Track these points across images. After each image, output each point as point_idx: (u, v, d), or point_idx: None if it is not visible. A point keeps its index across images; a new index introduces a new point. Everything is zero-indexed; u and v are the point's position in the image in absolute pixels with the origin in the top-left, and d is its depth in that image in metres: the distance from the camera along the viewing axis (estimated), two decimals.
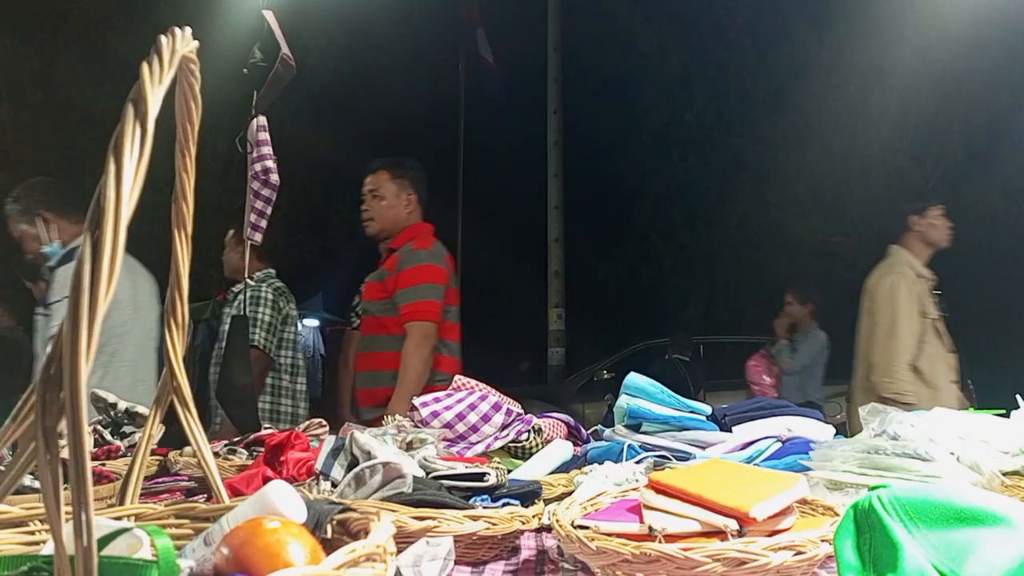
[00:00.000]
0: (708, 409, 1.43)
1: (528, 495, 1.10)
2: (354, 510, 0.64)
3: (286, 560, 0.52)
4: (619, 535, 0.79)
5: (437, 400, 1.52)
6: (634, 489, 0.95)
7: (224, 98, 3.42)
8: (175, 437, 1.23)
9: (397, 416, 1.52)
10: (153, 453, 1.57)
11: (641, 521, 0.81)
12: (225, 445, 1.69)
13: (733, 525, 0.77)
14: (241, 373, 2.39)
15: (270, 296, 3.14)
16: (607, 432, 1.47)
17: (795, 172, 9.60)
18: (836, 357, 5.20)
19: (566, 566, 0.96)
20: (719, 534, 0.78)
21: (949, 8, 7.27)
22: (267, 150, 2.43)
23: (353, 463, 1.12)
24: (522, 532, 1.04)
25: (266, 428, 2.01)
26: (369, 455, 1.09)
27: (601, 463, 1.27)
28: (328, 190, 10.26)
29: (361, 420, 2.53)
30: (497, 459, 1.37)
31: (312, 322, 9.98)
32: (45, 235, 2.71)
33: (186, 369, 0.69)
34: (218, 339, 3.27)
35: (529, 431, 1.49)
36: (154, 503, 0.74)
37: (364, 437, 1.14)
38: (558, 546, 1.01)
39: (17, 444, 0.46)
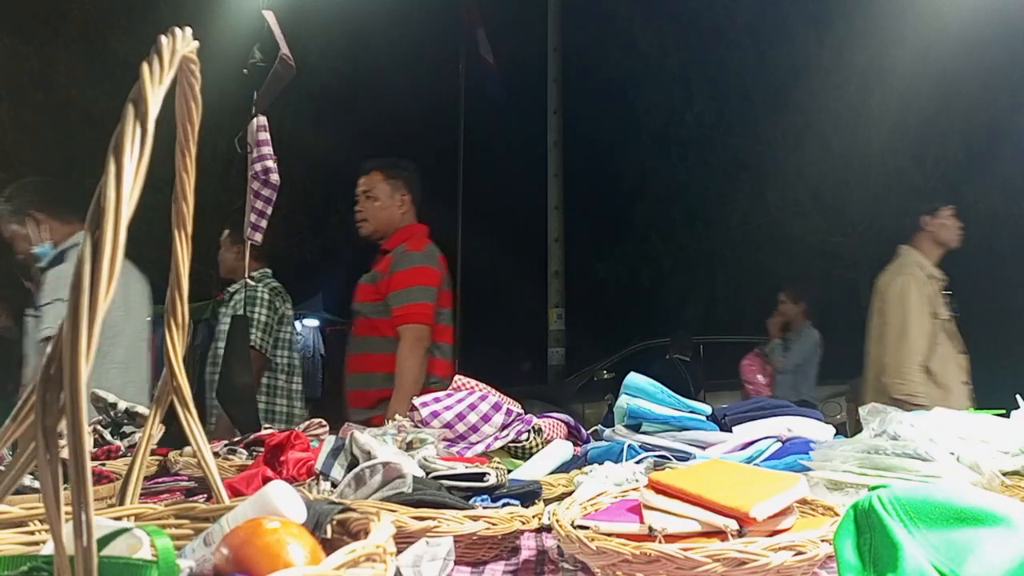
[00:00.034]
0: (708, 409, 1.43)
1: (528, 495, 1.10)
2: (354, 510, 0.64)
3: (286, 560, 0.52)
4: (619, 535, 0.79)
5: (437, 400, 1.52)
6: (634, 489, 0.95)
7: (224, 98, 3.42)
8: (175, 437, 1.23)
9: (397, 416, 1.52)
10: (153, 453, 1.57)
11: (641, 521, 0.81)
12: (225, 445, 1.69)
13: (733, 525, 0.77)
14: (241, 373, 2.39)
15: (266, 296, 3.14)
16: (607, 432, 1.47)
17: (795, 172, 9.61)
18: (836, 357, 5.21)
19: (566, 566, 0.96)
20: (719, 534, 0.78)
21: (949, 8, 7.28)
22: (267, 150, 2.43)
23: (353, 463, 1.12)
24: (522, 532, 1.04)
25: (265, 428, 2.01)
26: (369, 455, 1.09)
27: (601, 463, 1.27)
28: (328, 190, 10.27)
29: (351, 421, 2.52)
30: (497, 459, 1.36)
31: (312, 322, 9.99)
32: (36, 235, 2.66)
33: (186, 369, 0.69)
34: (214, 339, 3.27)
35: (529, 431, 1.49)
36: (154, 503, 0.74)
37: (364, 437, 1.14)
38: (558, 546, 1.01)
39: (17, 444, 0.46)
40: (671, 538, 0.78)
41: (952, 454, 1.05)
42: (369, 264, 2.81)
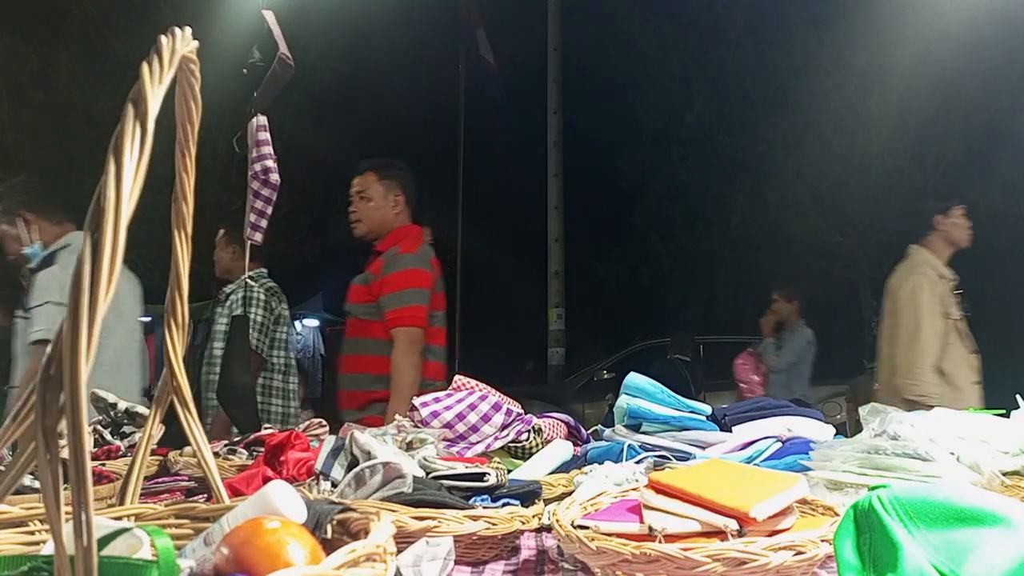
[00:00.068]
0: (708, 409, 1.43)
1: (528, 495, 1.10)
2: (354, 510, 0.64)
3: (286, 560, 0.52)
4: (619, 535, 0.79)
5: (437, 400, 1.52)
6: (634, 489, 0.95)
7: (224, 98, 3.42)
8: (175, 437, 1.23)
9: (397, 416, 1.52)
10: (153, 453, 1.57)
11: (641, 521, 0.81)
12: (225, 445, 1.69)
13: (733, 525, 0.77)
14: (241, 373, 2.39)
15: (262, 296, 3.14)
16: (607, 432, 1.47)
17: (795, 172, 9.61)
18: (836, 357, 5.21)
19: (566, 566, 0.96)
20: (719, 534, 0.78)
21: (949, 8, 7.28)
22: (267, 150, 2.43)
23: (353, 463, 1.12)
24: (522, 532, 1.04)
25: (266, 428, 2.01)
26: (369, 455, 1.09)
27: (601, 463, 1.27)
28: (328, 190, 10.27)
29: (343, 422, 2.51)
30: (497, 459, 1.37)
31: (312, 322, 9.99)
32: (26, 236, 2.64)
33: (186, 369, 0.69)
34: (210, 339, 3.26)
35: (529, 431, 1.49)
36: (154, 503, 0.74)
37: (364, 437, 1.14)
38: (558, 546, 1.01)
39: (17, 444, 0.46)
40: (671, 538, 0.78)
41: (952, 454, 1.06)
42: (364, 265, 2.81)
